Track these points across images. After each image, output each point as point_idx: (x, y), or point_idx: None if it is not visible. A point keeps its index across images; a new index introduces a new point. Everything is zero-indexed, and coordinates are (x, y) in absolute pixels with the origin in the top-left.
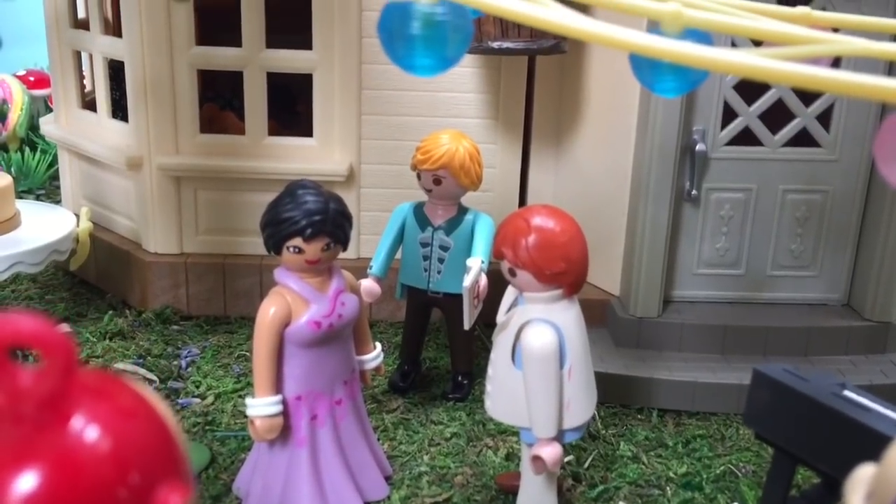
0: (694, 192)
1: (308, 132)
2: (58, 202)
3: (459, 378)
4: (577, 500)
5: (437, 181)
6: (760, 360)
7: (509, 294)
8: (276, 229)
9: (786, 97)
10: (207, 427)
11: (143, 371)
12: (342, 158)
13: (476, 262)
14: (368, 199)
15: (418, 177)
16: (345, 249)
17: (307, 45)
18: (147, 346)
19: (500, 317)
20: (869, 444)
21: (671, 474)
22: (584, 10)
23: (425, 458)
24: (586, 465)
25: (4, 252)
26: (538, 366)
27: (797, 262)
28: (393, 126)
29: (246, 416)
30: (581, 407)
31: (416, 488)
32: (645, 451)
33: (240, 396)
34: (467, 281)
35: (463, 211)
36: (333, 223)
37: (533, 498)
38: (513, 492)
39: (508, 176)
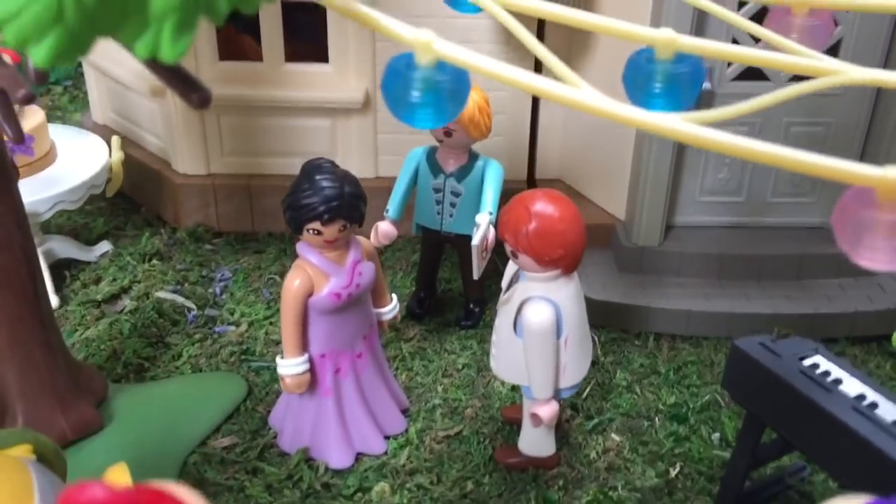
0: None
1: (324, 58)
2: (85, 101)
3: (471, 306)
4: (574, 431)
5: (448, 133)
6: (755, 285)
7: (511, 266)
8: (297, 213)
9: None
10: (243, 356)
11: (181, 299)
12: (358, 85)
13: (484, 219)
14: (384, 123)
15: None
16: (360, 227)
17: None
18: (183, 271)
19: (504, 281)
20: (823, 424)
21: (660, 405)
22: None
23: (439, 389)
24: (584, 395)
25: (46, 193)
26: (537, 339)
27: (797, 190)
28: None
29: (277, 344)
30: (576, 369)
31: (431, 421)
32: (639, 379)
33: (270, 324)
34: (476, 239)
35: (474, 157)
36: (349, 207)
37: (533, 439)
38: (517, 423)
39: (518, 119)
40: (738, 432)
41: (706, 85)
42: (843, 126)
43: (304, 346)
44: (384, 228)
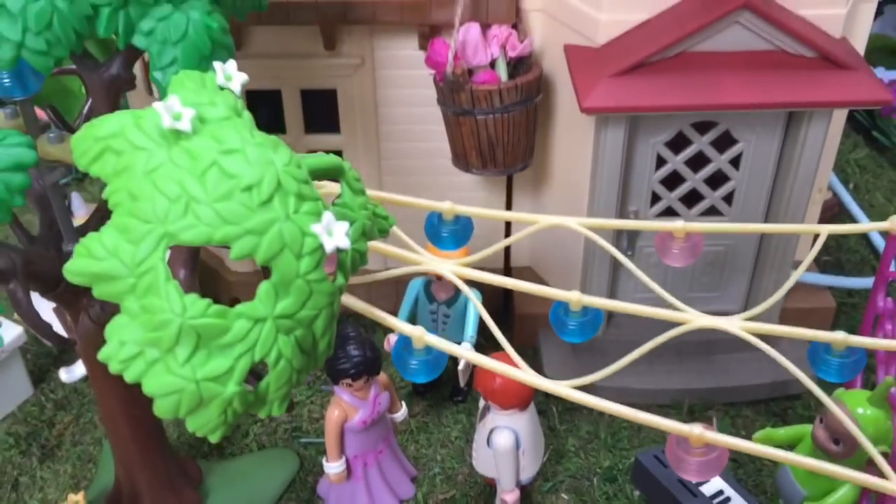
0: (629, 252)
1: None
2: None
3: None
4: (535, 491)
5: (438, 278)
6: (675, 362)
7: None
8: (334, 372)
9: (699, 187)
10: (294, 433)
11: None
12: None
13: (466, 347)
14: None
15: None
16: (377, 374)
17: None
18: None
19: (480, 405)
20: None
21: (598, 468)
22: None
23: (438, 458)
24: (544, 459)
25: None
26: (502, 456)
27: (707, 287)
28: (408, 180)
29: (318, 421)
30: (530, 466)
31: (433, 485)
32: (584, 445)
33: (311, 402)
34: (461, 365)
35: (458, 291)
36: (371, 366)
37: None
38: (494, 486)
39: (495, 206)
40: None
41: None
42: (739, 246)
43: (342, 451)
44: (394, 340)
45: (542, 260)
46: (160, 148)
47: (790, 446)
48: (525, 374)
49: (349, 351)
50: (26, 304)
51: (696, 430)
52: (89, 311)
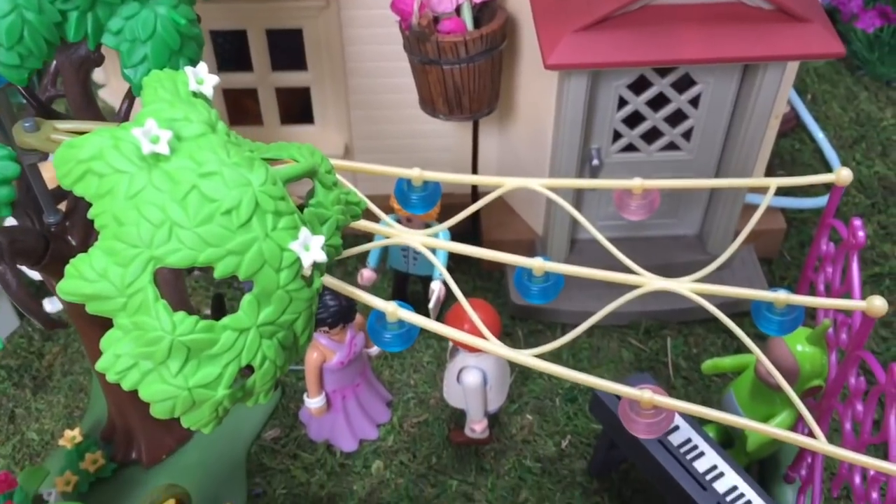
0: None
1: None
2: None
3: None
4: (502, 413)
5: (409, 219)
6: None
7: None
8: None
9: (659, 125)
10: None
11: None
12: (339, 140)
13: (436, 285)
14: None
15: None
16: (353, 321)
17: (304, 67)
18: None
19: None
20: (639, 450)
21: (560, 389)
22: None
23: (411, 383)
24: (510, 385)
25: None
26: (471, 392)
27: (666, 216)
28: (376, 114)
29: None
30: (496, 399)
31: (407, 409)
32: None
33: None
34: (431, 303)
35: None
36: (346, 314)
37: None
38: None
39: (461, 144)
40: (597, 439)
41: (594, 162)
42: (696, 178)
43: (321, 388)
44: (367, 275)
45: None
46: (140, 171)
47: (735, 373)
48: (491, 346)
49: (326, 301)
50: (16, 287)
51: (646, 394)
52: None
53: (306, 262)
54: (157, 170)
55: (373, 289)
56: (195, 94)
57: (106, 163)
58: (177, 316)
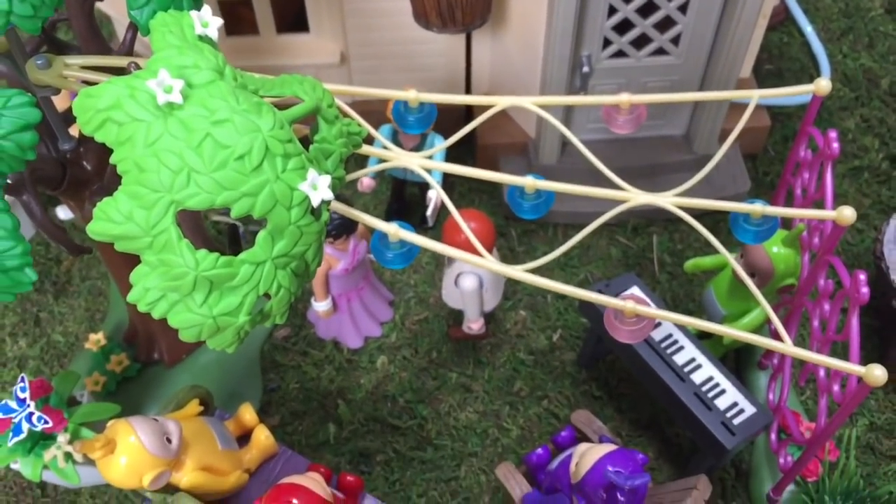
0: (582, 92)
1: (306, 27)
2: None
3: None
4: (497, 309)
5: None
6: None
7: None
8: None
9: (648, 32)
10: None
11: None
12: (334, 48)
13: (433, 194)
14: (357, 73)
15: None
16: (355, 231)
17: None
18: None
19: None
20: (634, 361)
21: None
22: None
23: (412, 283)
24: (505, 281)
25: None
26: (468, 295)
27: (655, 117)
28: (370, 22)
29: None
30: (492, 301)
31: (408, 308)
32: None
33: None
34: (429, 211)
35: (424, 136)
36: (349, 227)
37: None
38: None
39: (455, 61)
40: (586, 334)
41: (584, 69)
42: (684, 81)
43: (328, 292)
44: (367, 182)
45: (501, 87)
46: (156, 119)
47: (716, 270)
48: (486, 262)
49: (330, 215)
50: (41, 215)
51: (629, 304)
52: (92, 201)
53: (315, 202)
54: (172, 118)
55: (372, 194)
56: (201, 38)
57: (124, 112)
58: (199, 253)
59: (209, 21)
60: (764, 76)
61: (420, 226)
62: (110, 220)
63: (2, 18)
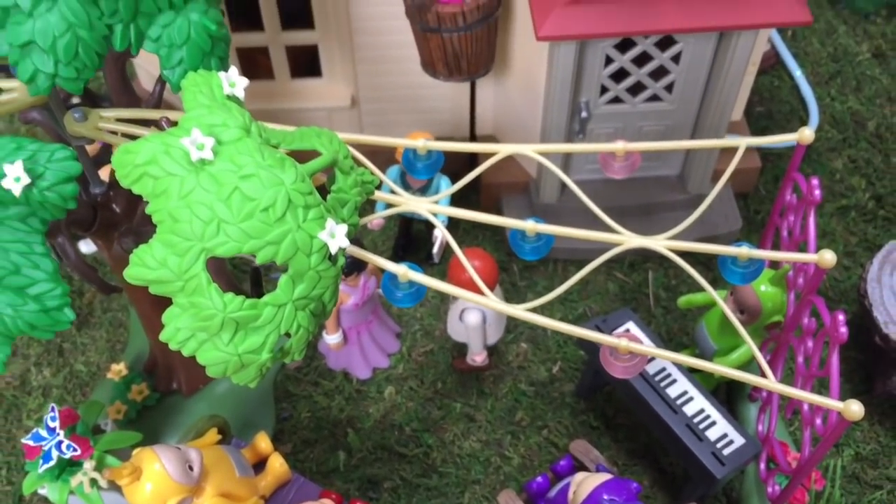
0: (580, 136)
1: (319, 73)
2: None
3: (433, 250)
4: (500, 342)
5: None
6: (618, 220)
7: None
8: None
9: (643, 80)
10: None
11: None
12: (345, 92)
13: (439, 233)
14: (368, 115)
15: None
16: (366, 269)
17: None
18: None
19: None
20: (629, 393)
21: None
22: None
23: (418, 315)
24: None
25: None
26: (472, 330)
27: (651, 158)
28: (380, 69)
29: None
30: (494, 335)
31: (414, 340)
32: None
33: None
34: (435, 248)
35: (431, 178)
36: (360, 265)
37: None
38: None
39: (460, 104)
40: (584, 367)
41: (583, 114)
42: (677, 126)
43: (339, 325)
44: (376, 222)
45: (503, 129)
46: (189, 174)
47: (707, 306)
48: (489, 301)
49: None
50: (74, 256)
51: (622, 342)
52: (121, 243)
53: (333, 249)
54: (204, 172)
55: (381, 231)
56: (228, 97)
57: (160, 167)
58: (227, 296)
59: (236, 81)
60: (756, 118)
61: (426, 261)
62: (146, 265)
63: (48, 81)
